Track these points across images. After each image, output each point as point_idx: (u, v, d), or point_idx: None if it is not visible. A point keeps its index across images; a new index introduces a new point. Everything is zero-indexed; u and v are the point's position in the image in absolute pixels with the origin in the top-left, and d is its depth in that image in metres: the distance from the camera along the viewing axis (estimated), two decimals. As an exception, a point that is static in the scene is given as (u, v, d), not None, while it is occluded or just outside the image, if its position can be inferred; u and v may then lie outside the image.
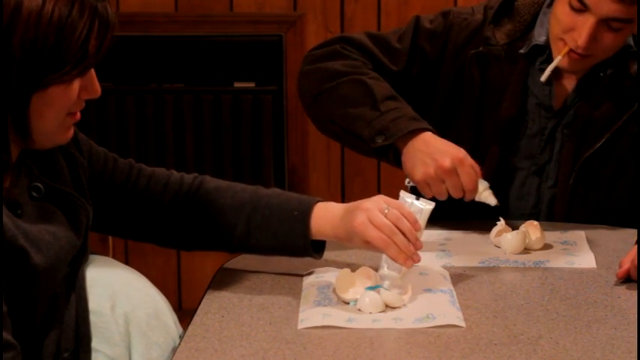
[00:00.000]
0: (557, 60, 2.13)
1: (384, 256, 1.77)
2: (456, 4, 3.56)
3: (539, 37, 2.22)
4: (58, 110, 1.54)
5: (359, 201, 1.81)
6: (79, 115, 1.59)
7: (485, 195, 2.04)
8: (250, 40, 3.64)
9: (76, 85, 1.53)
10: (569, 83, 2.23)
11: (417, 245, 1.76)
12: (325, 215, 1.83)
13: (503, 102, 2.23)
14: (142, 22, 3.65)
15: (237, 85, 3.67)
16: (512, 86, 2.23)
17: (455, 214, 2.18)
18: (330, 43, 2.31)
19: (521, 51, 2.22)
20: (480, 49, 2.25)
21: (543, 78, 2.15)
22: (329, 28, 3.63)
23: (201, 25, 3.65)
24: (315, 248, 1.86)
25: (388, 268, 1.77)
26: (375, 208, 1.77)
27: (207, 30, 3.65)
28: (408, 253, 1.75)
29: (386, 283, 1.77)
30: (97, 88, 1.57)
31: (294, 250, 1.86)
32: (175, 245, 1.92)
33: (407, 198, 1.80)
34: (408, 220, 1.76)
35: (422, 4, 3.58)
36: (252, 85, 3.67)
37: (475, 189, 2.03)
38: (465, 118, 2.26)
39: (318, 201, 1.85)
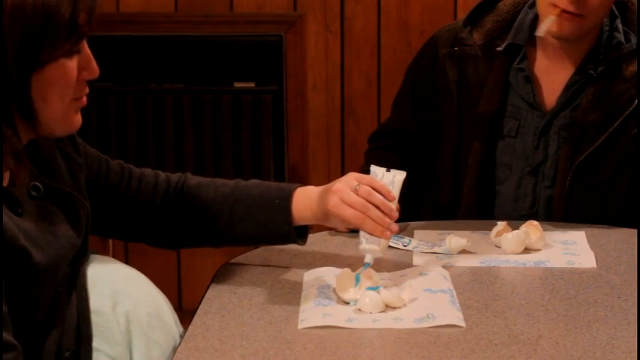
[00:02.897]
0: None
1: (361, 232, 1.80)
2: (455, 3, 3.56)
3: (516, 35, 2.24)
4: (60, 92, 1.53)
5: (332, 182, 1.85)
6: (85, 100, 1.59)
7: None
8: (250, 40, 3.64)
9: (73, 64, 1.53)
10: (559, 81, 2.23)
11: (392, 216, 1.80)
12: (304, 201, 1.86)
13: (482, 98, 2.25)
14: (142, 22, 3.64)
15: (237, 85, 3.67)
16: (491, 83, 2.25)
17: (455, 214, 2.19)
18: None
19: (499, 49, 2.25)
20: (455, 48, 2.28)
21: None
22: (329, 28, 3.63)
23: (201, 25, 3.65)
24: (298, 234, 1.88)
25: (367, 242, 1.80)
26: (346, 187, 1.81)
27: (207, 30, 3.65)
28: (384, 225, 1.78)
29: (368, 257, 1.80)
30: (95, 68, 1.57)
31: (278, 238, 1.89)
32: (163, 244, 1.94)
33: (377, 171, 1.84)
34: (381, 193, 1.80)
35: (422, 4, 3.58)
36: (252, 85, 3.66)
37: None
38: (448, 116, 2.29)
39: (298, 187, 1.89)
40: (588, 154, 2.19)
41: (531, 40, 2.25)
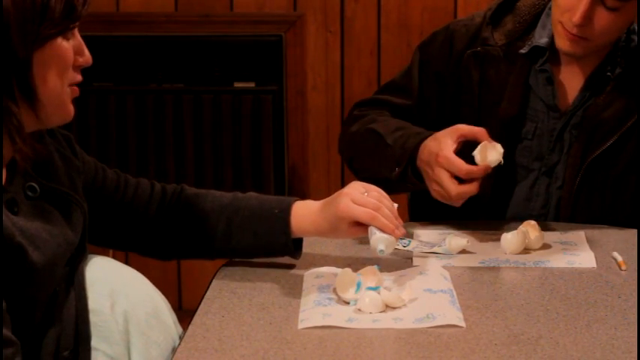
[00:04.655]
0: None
1: (371, 228, 1.81)
2: (455, 3, 3.57)
3: (540, 38, 2.22)
4: (58, 73, 1.59)
5: (335, 193, 1.86)
6: (77, 89, 1.64)
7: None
8: (250, 40, 3.64)
9: (69, 46, 1.60)
10: (577, 83, 2.22)
11: (399, 221, 1.82)
12: (304, 212, 1.88)
13: (503, 101, 2.23)
14: (142, 22, 3.65)
15: (237, 85, 3.67)
16: (512, 86, 2.23)
17: (455, 214, 2.18)
18: (350, 112, 2.43)
19: (522, 51, 2.23)
20: (478, 49, 2.26)
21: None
22: (329, 28, 3.63)
23: (201, 25, 3.65)
24: (294, 247, 1.90)
25: (380, 232, 1.80)
26: (355, 191, 1.84)
27: (207, 30, 3.65)
28: (394, 224, 1.80)
29: (380, 245, 1.79)
30: (88, 54, 1.65)
31: (275, 248, 1.90)
32: (156, 255, 1.94)
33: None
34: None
35: (422, 4, 3.58)
36: (252, 85, 3.67)
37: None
38: (467, 119, 2.27)
39: (297, 199, 1.91)
40: (599, 153, 2.18)
41: (552, 43, 2.23)
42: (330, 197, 1.87)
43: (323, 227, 1.87)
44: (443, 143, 2.04)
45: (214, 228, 1.89)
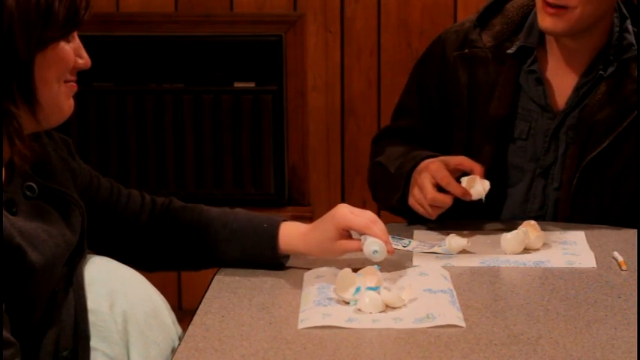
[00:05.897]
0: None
1: (363, 237, 1.83)
2: (455, 3, 3.57)
3: (527, 38, 2.23)
4: (58, 75, 1.60)
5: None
6: (75, 85, 1.65)
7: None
8: (250, 40, 3.64)
9: (70, 49, 1.61)
10: (568, 83, 2.23)
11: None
12: (293, 231, 1.90)
13: (492, 102, 2.24)
14: (142, 22, 3.65)
15: (237, 85, 3.67)
16: (501, 86, 2.24)
17: (455, 214, 2.18)
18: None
19: (509, 51, 2.23)
20: (465, 51, 2.27)
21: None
22: (329, 28, 3.63)
23: (201, 25, 3.65)
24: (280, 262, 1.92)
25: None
26: (352, 207, 1.88)
27: (207, 30, 3.65)
28: (386, 239, 1.83)
29: (376, 246, 1.80)
30: (87, 57, 1.66)
31: (260, 262, 1.91)
32: (141, 265, 1.94)
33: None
34: None
35: (422, 4, 3.58)
36: (252, 85, 3.67)
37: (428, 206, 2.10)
38: (457, 119, 2.28)
39: (285, 220, 1.93)
40: (596, 154, 2.18)
41: (541, 43, 2.24)
42: (321, 217, 1.89)
43: (313, 241, 1.88)
44: (441, 158, 2.13)
45: (201, 239, 1.90)
